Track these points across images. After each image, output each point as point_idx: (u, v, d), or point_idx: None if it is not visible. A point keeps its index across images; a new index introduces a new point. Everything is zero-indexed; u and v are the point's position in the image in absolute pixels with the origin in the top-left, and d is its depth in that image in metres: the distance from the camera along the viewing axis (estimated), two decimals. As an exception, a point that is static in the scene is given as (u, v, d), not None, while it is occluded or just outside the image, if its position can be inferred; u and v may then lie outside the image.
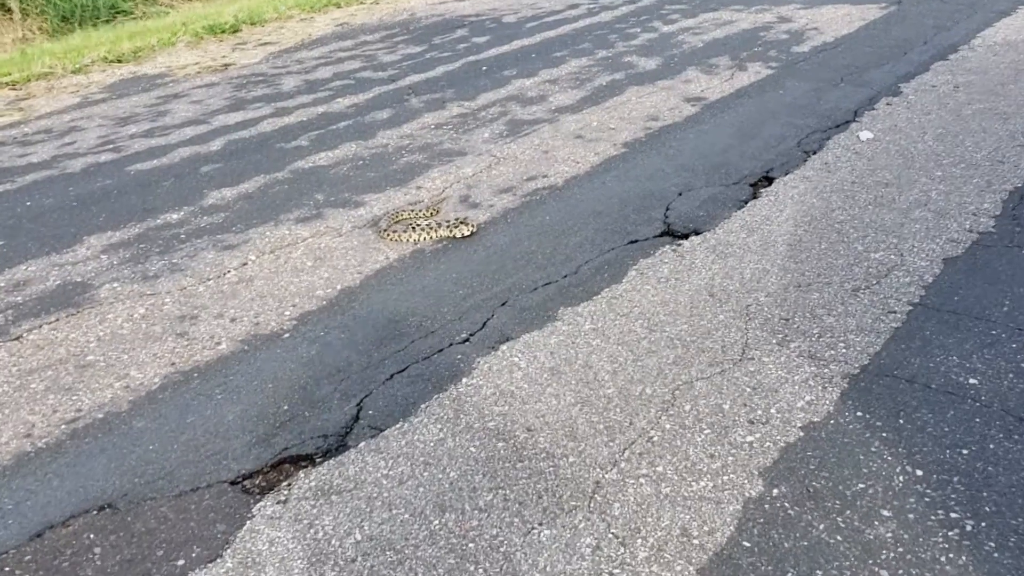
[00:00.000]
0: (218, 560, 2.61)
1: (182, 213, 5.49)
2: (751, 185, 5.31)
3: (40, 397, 3.54)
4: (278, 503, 2.84)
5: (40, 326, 4.12)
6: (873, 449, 2.89)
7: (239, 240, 5.01)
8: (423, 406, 3.29)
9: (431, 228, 4.86)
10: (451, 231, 4.85)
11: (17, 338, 4.02)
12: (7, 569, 2.64)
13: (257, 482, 2.98)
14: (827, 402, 3.15)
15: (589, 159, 5.96)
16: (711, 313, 3.83)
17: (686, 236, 4.67)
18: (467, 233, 4.85)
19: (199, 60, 10.69)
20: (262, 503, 2.85)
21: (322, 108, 7.89)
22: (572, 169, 5.80)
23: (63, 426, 3.34)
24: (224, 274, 4.58)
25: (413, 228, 4.88)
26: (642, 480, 2.81)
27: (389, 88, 8.49)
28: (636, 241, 4.65)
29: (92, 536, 2.76)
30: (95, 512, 2.87)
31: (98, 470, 3.08)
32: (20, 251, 5.03)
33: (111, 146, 7.15)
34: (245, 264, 4.69)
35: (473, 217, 5.11)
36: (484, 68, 9.02)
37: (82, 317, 4.20)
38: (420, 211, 5.17)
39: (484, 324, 3.90)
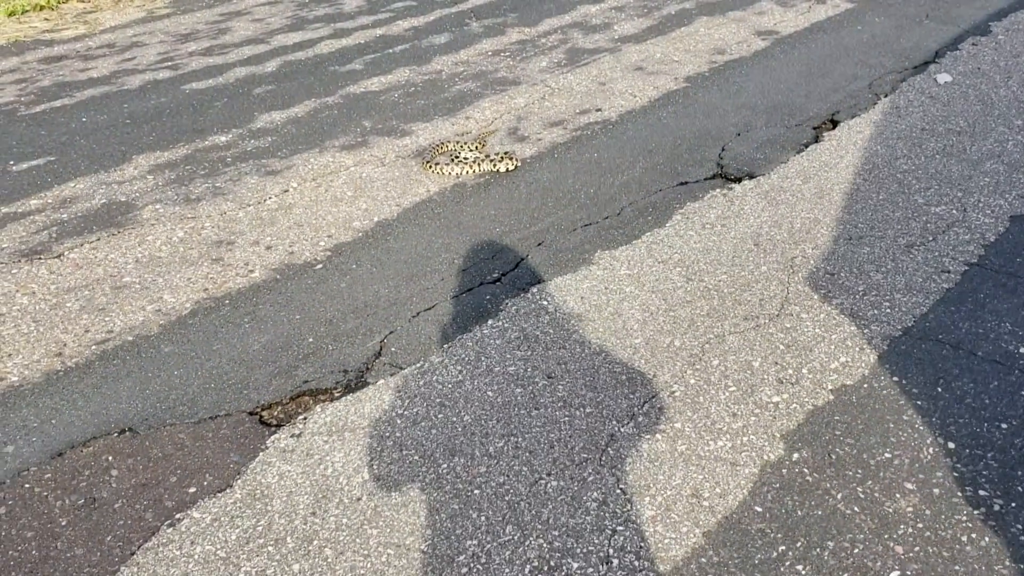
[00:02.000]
0: (227, 490, 2.66)
1: (230, 135, 5.52)
2: (814, 128, 5.11)
3: (75, 317, 3.63)
4: (292, 436, 2.87)
5: (82, 244, 4.21)
6: (905, 417, 2.78)
7: (283, 166, 5.01)
8: (446, 346, 3.28)
9: (475, 161, 4.79)
10: (494, 165, 4.77)
11: (58, 256, 4.12)
12: (27, 486, 2.73)
13: (275, 413, 3.01)
14: (863, 365, 3.03)
15: (647, 93, 5.79)
16: (753, 264, 3.71)
17: (739, 180, 4.52)
18: (511, 168, 4.78)
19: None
20: (277, 435, 2.88)
21: (381, 30, 7.81)
22: (628, 103, 5.64)
23: (93, 347, 3.42)
24: (264, 200, 4.60)
25: (456, 160, 4.82)
26: (658, 436, 2.76)
27: (451, 11, 8.36)
28: (686, 183, 4.52)
29: (110, 458, 2.83)
30: (115, 435, 2.94)
31: (122, 393, 3.15)
32: (70, 168, 5.12)
33: (170, 63, 7.20)
34: (286, 191, 4.70)
35: (519, 151, 5.02)
36: (550, -8, 8.78)
37: (123, 238, 4.27)
38: (466, 143, 5.10)
39: (517, 264, 3.85)
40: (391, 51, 7.12)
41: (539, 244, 4.02)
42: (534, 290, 3.63)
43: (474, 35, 7.44)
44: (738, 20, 7.35)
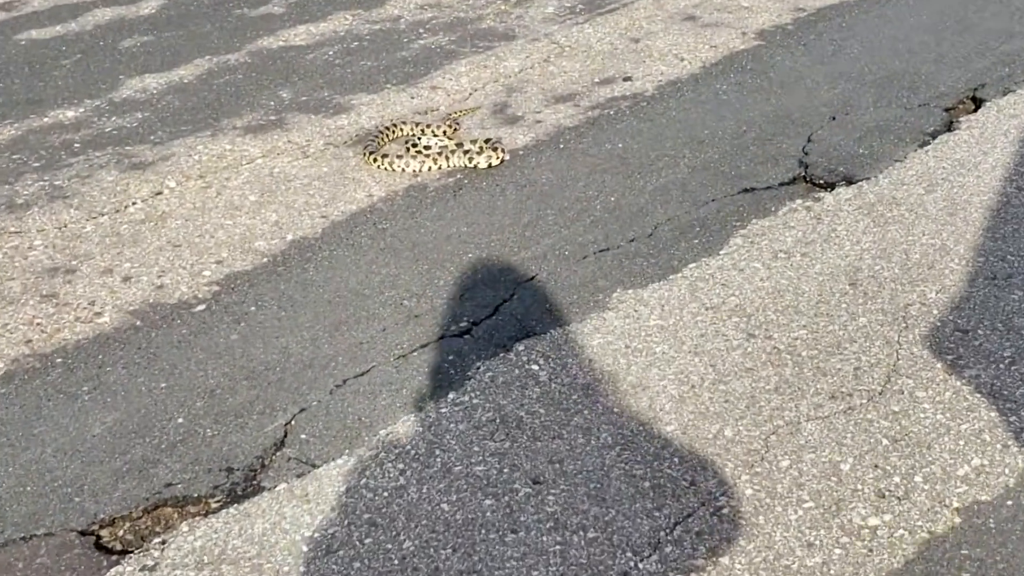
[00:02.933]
0: (40, 652, 2.60)
1: (82, 110, 5.53)
2: (946, 110, 5.12)
3: None
4: (143, 570, 2.82)
5: None
6: (1069, 554, 2.72)
7: (156, 156, 5.01)
8: (383, 432, 3.23)
9: (442, 153, 4.78)
10: (470, 159, 4.76)
11: None
12: None
13: (120, 534, 2.96)
14: (1007, 471, 2.98)
15: (700, 55, 5.80)
16: (848, 313, 3.69)
17: (831, 186, 4.52)
18: (494, 162, 4.77)
19: None
20: (121, 568, 2.83)
21: None
22: (671, 70, 5.65)
23: None
24: (125, 207, 4.60)
25: (415, 151, 4.81)
26: (695, 576, 2.70)
27: None
28: (752, 190, 4.52)
29: None
30: None
31: None
32: None
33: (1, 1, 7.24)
34: (159, 194, 4.70)
35: (508, 139, 5.01)
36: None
37: (-89, 261, 4.25)
38: (430, 125, 5.09)
39: (496, 309, 3.83)
40: (327, -14, 7.16)
41: (530, 278, 4.00)
42: (519, 348, 3.60)
43: (450, -35, 7.48)
44: None
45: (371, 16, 6.61)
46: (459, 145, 4.84)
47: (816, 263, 3.98)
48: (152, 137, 5.19)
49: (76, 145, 5.15)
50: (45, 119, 5.44)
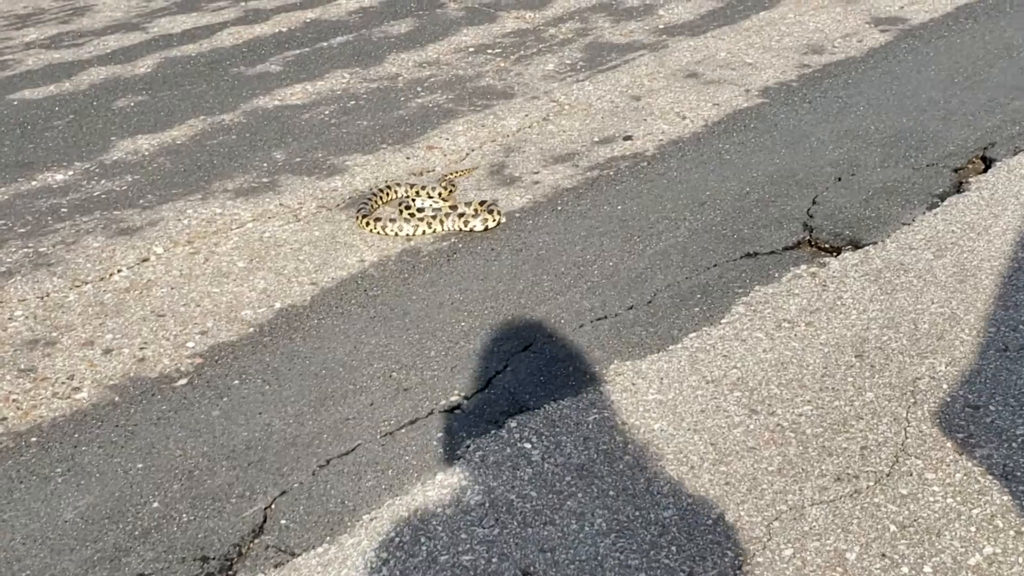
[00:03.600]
0: None
1: (71, 172, 5.46)
2: (955, 170, 5.04)
3: None
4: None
5: None
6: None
7: (144, 221, 4.93)
8: (367, 518, 3.11)
9: (436, 216, 4.70)
10: (465, 222, 4.68)
11: None
12: None
13: (88, 628, 2.83)
14: (1020, 559, 2.84)
15: (703, 113, 5.73)
16: (854, 388, 3.57)
17: (836, 250, 4.43)
18: (491, 225, 4.71)
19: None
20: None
21: (313, 13, 7.87)
22: (673, 128, 5.57)
23: None
24: (110, 275, 4.52)
25: (408, 213, 4.74)
26: (691, 678, 2.56)
27: None
28: (755, 254, 4.42)
29: None
30: None
31: None
32: None
33: None
34: (145, 260, 4.62)
35: (505, 200, 4.94)
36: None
37: None
38: (425, 187, 5.02)
39: (489, 382, 3.74)
40: (325, 44, 7.14)
41: (525, 348, 3.91)
42: (512, 424, 3.50)
43: (451, 21, 7.46)
44: (845, 0, 7.32)
45: (369, 74, 6.55)
46: (453, 208, 4.76)
47: (821, 333, 3.87)
48: (141, 201, 5.11)
49: (63, 210, 5.07)
50: (33, 182, 5.37)
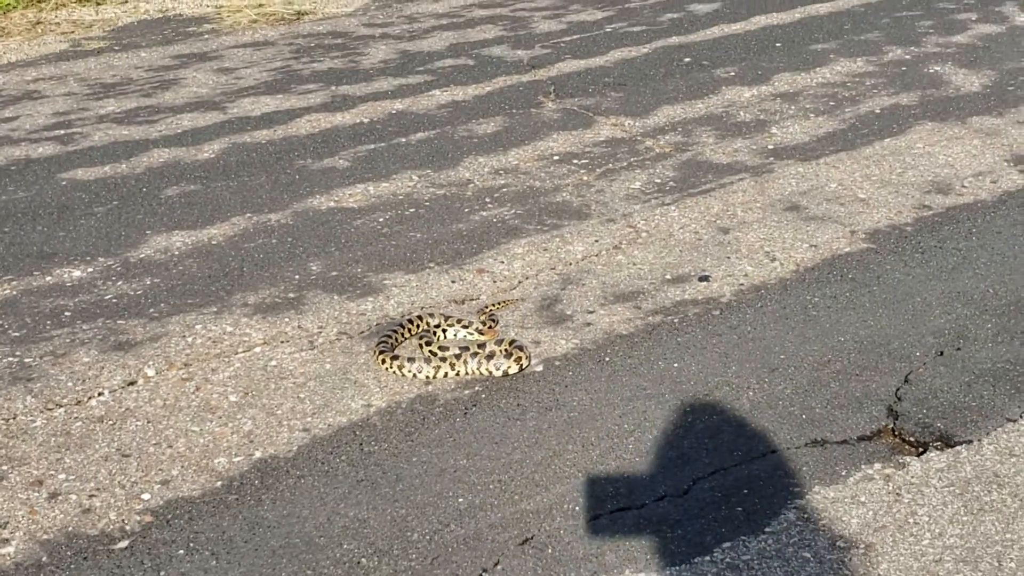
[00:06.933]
0: None
1: (91, 270, 5.16)
2: (1084, 353, 4.41)
3: None
4: None
5: None
6: None
7: (146, 334, 4.57)
8: None
9: (460, 356, 4.30)
10: (481, 367, 4.29)
11: None
12: None
13: None
14: None
15: (796, 255, 5.23)
16: (911, 644, 2.93)
17: (923, 447, 3.89)
18: (511, 371, 4.33)
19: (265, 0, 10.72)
20: None
21: (401, 103, 7.61)
22: (758, 271, 5.07)
23: None
24: (88, 398, 4.18)
25: (427, 350, 4.39)
26: None
27: (521, 79, 8.19)
28: (823, 443, 3.91)
29: None
30: None
31: None
32: None
33: (62, 131, 7.10)
34: (132, 383, 4.26)
35: (548, 342, 4.50)
36: (686, 59, 8.68)
37: None
38: (460, 320, 4.64)
39: (472, 585, 3.26)
40: (403, 140, 6.83)
41: (524, 541, 3.41)
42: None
43: (542, 124, 7.11)
44: (987, 132, 6.86)
45: (438, 178, 6.14)
46: (481, 347, 4.28)
47: (882, 561, 3.26)
48: (152, 310, 4.76)
49: (67, 313, 4.74)
50: (48, 278, 5.06)
